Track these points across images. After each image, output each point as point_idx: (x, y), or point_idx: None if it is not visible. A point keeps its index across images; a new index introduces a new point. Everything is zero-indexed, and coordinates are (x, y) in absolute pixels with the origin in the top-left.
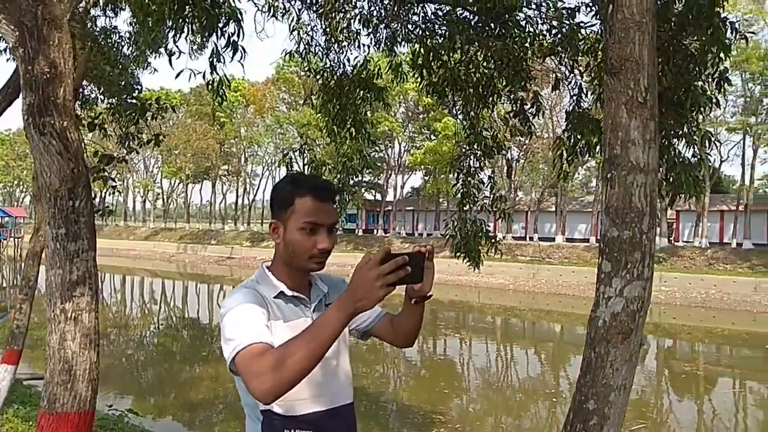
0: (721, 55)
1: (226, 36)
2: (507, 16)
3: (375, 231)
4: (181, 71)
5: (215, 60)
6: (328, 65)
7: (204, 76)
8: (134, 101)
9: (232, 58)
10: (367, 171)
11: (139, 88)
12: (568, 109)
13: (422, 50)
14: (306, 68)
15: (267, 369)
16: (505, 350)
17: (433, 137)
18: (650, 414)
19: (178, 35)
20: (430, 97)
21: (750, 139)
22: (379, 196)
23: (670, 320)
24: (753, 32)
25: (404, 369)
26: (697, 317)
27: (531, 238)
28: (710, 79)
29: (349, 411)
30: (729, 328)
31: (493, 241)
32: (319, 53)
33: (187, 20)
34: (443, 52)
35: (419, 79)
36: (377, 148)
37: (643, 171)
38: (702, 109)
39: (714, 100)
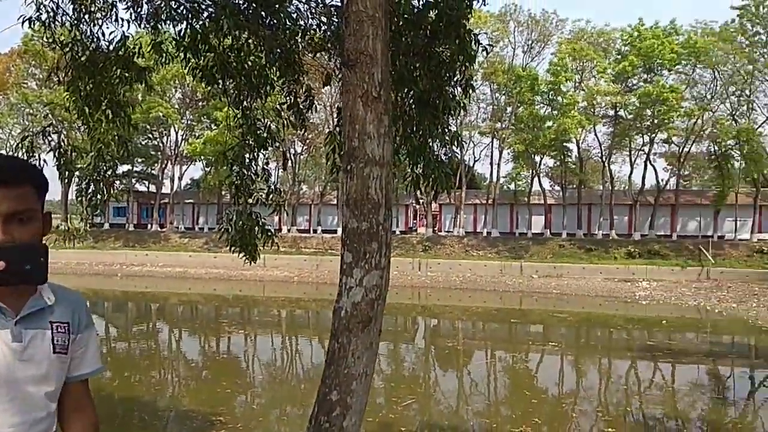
0: (467, 63)
1: None
2: (277, 5)
3: (149, 226)
4: None
5: None
6: (78, 37)
7: None
8: None
9: None
10: (138, 160)
11: None
12: (340, 105)
13: (189, 31)
14: (50, 39)
15: None
16: (291, 342)
17: (214, 126)
18: (419, 389)
19: None
20: (199, 83)
21: (497, 141)
22: (153, 188)
23: (435, 302)
24: (493, 46)
25: (184, 371)
26: (456, 298)
27: (315, 231)
28: (459, 86)
29: None
30: (482, 306)
31: (269, 234)
32: (67, 23)
33: None
34: (212, 36)
35: (185, 63)
36: (150, 136)
37: (379, 164)
38: (453, 112)
39: (462, 105)
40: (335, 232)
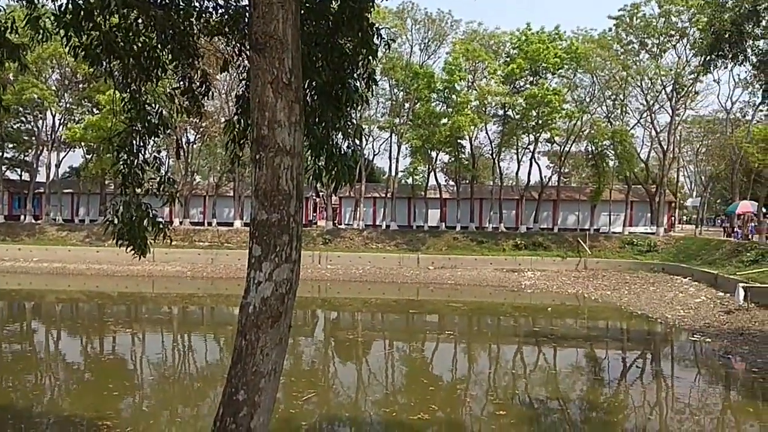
0: (370, 57)
1: None
2: None
3: (22, 217)
4: None
5: None
6: None
7: None
8: None
9: None
10: (9, 145)
11: None
12: (239, 92)
13: (71, 7)
14: None
15: None
16: (183, 340)
17: (96, 111)
18: (319, 383)
19: None
20: (83, 63)
21: (395, 136)
22: (27, 176)
23: (335, 294)
24: (393, 41)
25: (64, 374)
26: (356, 290)
27: (210, 224)
28: (361, 79)
29: None
30: (381, 298)
31: (161, 226)
32: None
33: None
34: (96, 13)
35: (65, 41)
36: (23, 119)
37: (290, 154)
38: (355, 105)
39: (364, 98)
40: (231, 224)
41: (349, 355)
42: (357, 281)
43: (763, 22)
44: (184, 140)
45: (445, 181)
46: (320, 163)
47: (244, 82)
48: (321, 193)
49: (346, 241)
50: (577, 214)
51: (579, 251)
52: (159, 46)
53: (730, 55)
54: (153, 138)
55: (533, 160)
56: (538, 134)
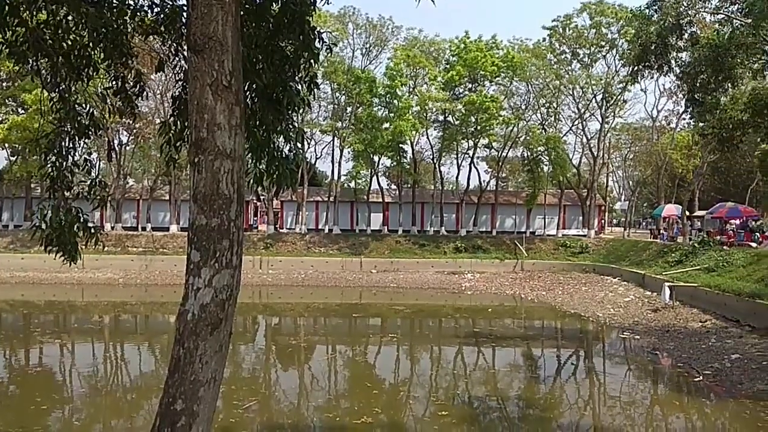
0: (311, 60)
1: None
2: None
3: None
4: None
5: None
6: None
7: None
8: None
9: None
10: None
11: None
12: (175, 93)
13: None
14: None
15: None
16: (116, 350)
17: (21, 110)
18: (260, 390)
19: None
20: (7, 61)
21: (338, 140)
22: None
23: (277, 300)
24: (335, 45)
25: None
26: (298, 294)
27: (144, 228)
28: (303, 82)
29: None
30: (324, 302)
31: (92, 231)
32: None
33: None
34: (23, 8)
35: None
36: None
37: (230, 157)
38: (297, 108)
39: (306, 102)
40: (167, 229)
41: (291, 361)
42: (299, 286)
43: (686, 35)
44: (116, 142)
45: (388, 185)
46: (261, 167)
47: (180, 82)
48: (262, 197)
49: (288, 245)
50: (514, 218)
51: (516, 253)
52: (90, 44)
53: (655, 66)
54: (83, 139)
55: (472, 165)
56: (476, 140)
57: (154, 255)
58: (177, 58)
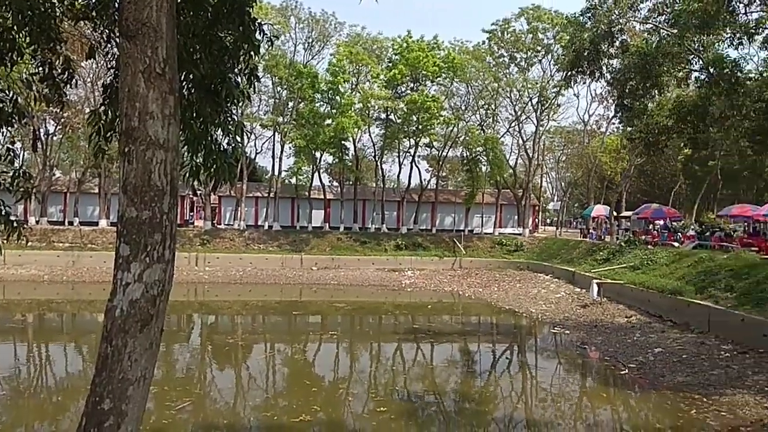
0: (252, 52)
1: None
2: None
3: None
4: None
5: None
6: None
7: None
8: None
9: None
10: None
11: None
12: (107, 81)
13: None
14: None
15: None
16: (40, 350)
17: None
18: (195, 390)
19: None
20: None
21: (279, 135)
22: None
23: (214, 298)
24: (276, 38)
25: None
26: (236, 292)
27: (71, 223)
28: (243, 74)
29: None
30: (262, 300)
31: (15, 225)
32: None
33: None
34: None
35: None
36: None
37: (163, 147)
38: (236, 100)
39: (246, 94)
40: (96, 224)
41: (227, 360)
42: (237, 283)
43: (617, 43)
44: (42, 131)
45: (329, 181)
46: (198, 160)
47: (112, 70)
48: (199, 192)
49: (225, 241)
50: (453, 216)
51: (455, 251)
52: (15, 27)
53: (588, 72)
54: (6, 128)
55: (414, 163)
56: (418, 139)
57: (82, 251)
58: (109, 45)
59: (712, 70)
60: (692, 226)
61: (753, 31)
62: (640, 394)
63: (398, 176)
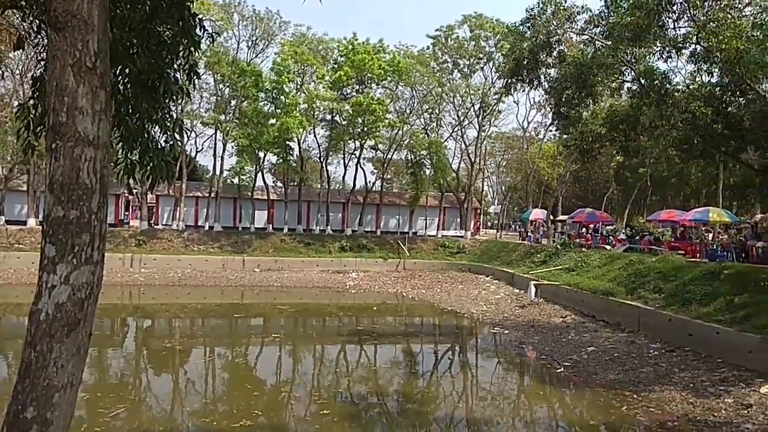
0: (191, 48)
1: None
2: None
3: None
4: None
5: None
6: None
7: None
8: None
9: None
10: None
11: None
12: (36, 74)
13: None
14: None
15: None
16: None
17: None
18: (130, 396)
19: None
20: None
21: (221, 134)
22: None
23: (150, 300)
24: (219, 34)
25: None
26: (174, 295)
27: None
28: (182, 70)
29: None
30: (202, 302)
31: None
32: None
33: None
34: None
35: None
36: None
37: (93, 144)
38: (174, 97)
39: (185, 91)
40: (24, 223)
41: (164, 365)
42: (175, 285)
43: (555, 53)
44: None
45: (273, 182)
46: (134, 157)
47: (42, 62)
48: (135, 191)
49: (163, 242)
50: (397, 218)
51: (399, 253)
52: None
53: (527, 80)
54: None
55: (359, 165)
56: (363, 141)
57: (8, 251)
58: (39, 36)
59: (643, 81)
60: (623, 230)
61: (681, 45)
62: (575, 392)
63: (343, 178)
